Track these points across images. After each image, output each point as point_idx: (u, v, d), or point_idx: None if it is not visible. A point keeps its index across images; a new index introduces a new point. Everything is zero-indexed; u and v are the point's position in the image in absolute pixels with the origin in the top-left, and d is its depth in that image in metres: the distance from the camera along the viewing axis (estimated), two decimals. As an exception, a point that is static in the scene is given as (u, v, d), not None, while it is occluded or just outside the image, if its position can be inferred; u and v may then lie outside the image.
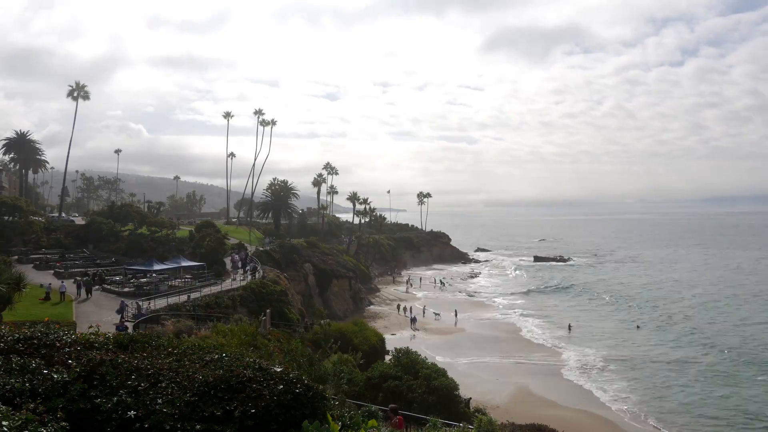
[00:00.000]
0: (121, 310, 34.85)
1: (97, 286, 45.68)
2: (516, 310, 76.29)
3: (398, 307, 76.51)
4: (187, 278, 50.97)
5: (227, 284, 48.95)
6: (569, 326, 64.01)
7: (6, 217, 63.15)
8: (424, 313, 72.29)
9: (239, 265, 59.36)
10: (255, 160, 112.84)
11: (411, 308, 73.14)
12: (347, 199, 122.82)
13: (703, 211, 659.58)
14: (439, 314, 71.64)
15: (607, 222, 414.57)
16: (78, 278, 45.51)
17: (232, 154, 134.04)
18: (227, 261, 60.70)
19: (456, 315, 70.76)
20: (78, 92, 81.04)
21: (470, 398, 32.52)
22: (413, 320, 66.88)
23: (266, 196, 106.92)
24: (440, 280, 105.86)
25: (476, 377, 45.14)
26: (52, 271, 50.93)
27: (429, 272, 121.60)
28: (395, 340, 53.34)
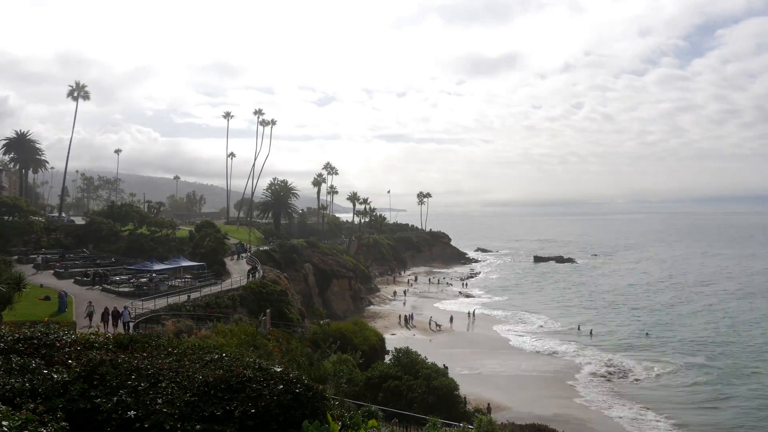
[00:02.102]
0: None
1: (98, 286, 45.71)
2: (515, 311, 76.33)
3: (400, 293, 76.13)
4: (187, 278, 50.97)
5: (227, 284, 48.93)
6: (591, 331, 63.33)
7: (6, 217, 63.11)
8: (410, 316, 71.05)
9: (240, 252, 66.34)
10: (255, 160, 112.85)
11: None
12: (347, 199, 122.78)
13: (693, 211, 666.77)
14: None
15: (601, 222, 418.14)
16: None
17: (232, 154, 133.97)
18: (227, 261, 60.66)
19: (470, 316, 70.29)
20: (78, 92, 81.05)
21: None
22: (411, 317, 67.24)
23: (266, 196, 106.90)
24: (446, 281, 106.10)
25: (478, 377, 45.17)
26: (52, 271, 50.91)
27: (431, 271, 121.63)
28: (395, 340, 53.38)
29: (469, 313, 71.34)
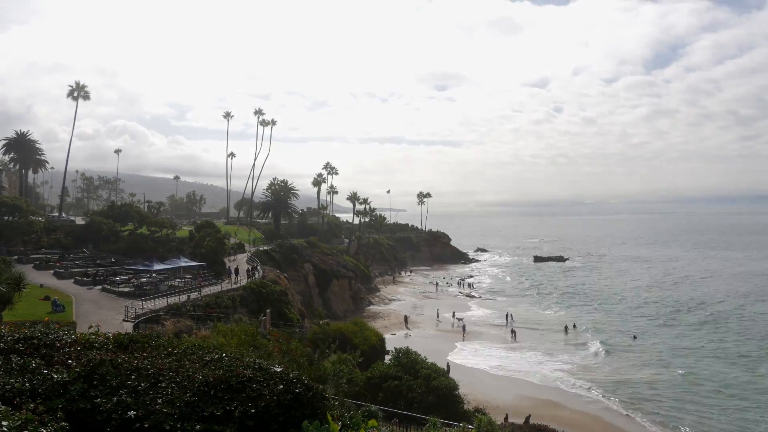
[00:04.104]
0: None
1: (98, 286, 45.73)
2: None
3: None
4: (187, 278, 50.99)
5: (227, 284, 48.97)
6: (566, 327, 63.97)
7: (6, 217, 63.13)
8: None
9: None
10: (255, 160, 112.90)
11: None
12: (347, 198, 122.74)
13: (690, 211, 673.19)
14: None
15: (597, 222, 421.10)
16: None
17: (232, 154, 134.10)
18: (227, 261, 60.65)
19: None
20: (78, 92, 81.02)
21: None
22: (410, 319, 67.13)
23: (266, 196, 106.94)
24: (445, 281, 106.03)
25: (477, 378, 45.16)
26: (52, 271, 50.92)
27: (432, 272, 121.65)
28: (395, 340, 53.36)
29: (454, 313, 71.16)
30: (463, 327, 62.93)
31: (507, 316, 68.79)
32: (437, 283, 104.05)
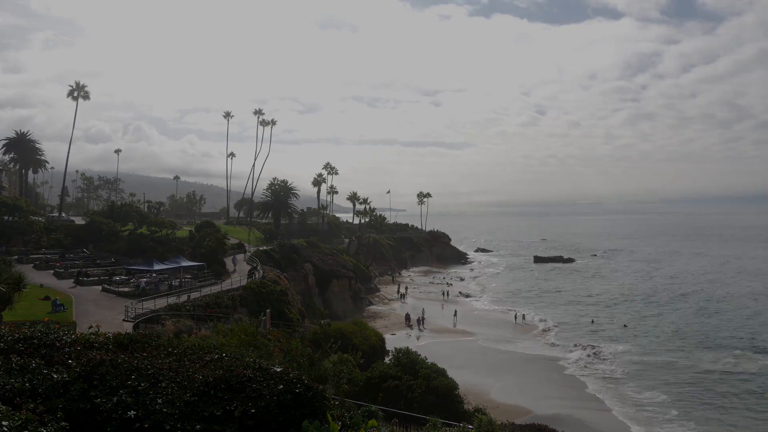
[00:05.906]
0: None
1: (99, 286, 45.71)
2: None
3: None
4: (187, 278, 50.99)
5: (227, 284, 48.96)
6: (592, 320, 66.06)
7: (6, 217, 63.12)
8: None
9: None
10: (255, 160, 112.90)
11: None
12: (347, 199, 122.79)
13: (687, 211, 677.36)
14: None
15: (595, 222, 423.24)
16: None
17: (232, 154, 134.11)
18: (227, 261, 60.87)
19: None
20: (78, 92, 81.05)
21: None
22: (412, 319, 67.16)
23: (266, 196, 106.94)
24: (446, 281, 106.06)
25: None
26: (52, 271, 50.91)
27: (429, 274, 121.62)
28: (395, 340, 53.36)
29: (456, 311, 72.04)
30: (418, 320, 65.85)
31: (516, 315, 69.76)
32: (438, 282, 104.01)
